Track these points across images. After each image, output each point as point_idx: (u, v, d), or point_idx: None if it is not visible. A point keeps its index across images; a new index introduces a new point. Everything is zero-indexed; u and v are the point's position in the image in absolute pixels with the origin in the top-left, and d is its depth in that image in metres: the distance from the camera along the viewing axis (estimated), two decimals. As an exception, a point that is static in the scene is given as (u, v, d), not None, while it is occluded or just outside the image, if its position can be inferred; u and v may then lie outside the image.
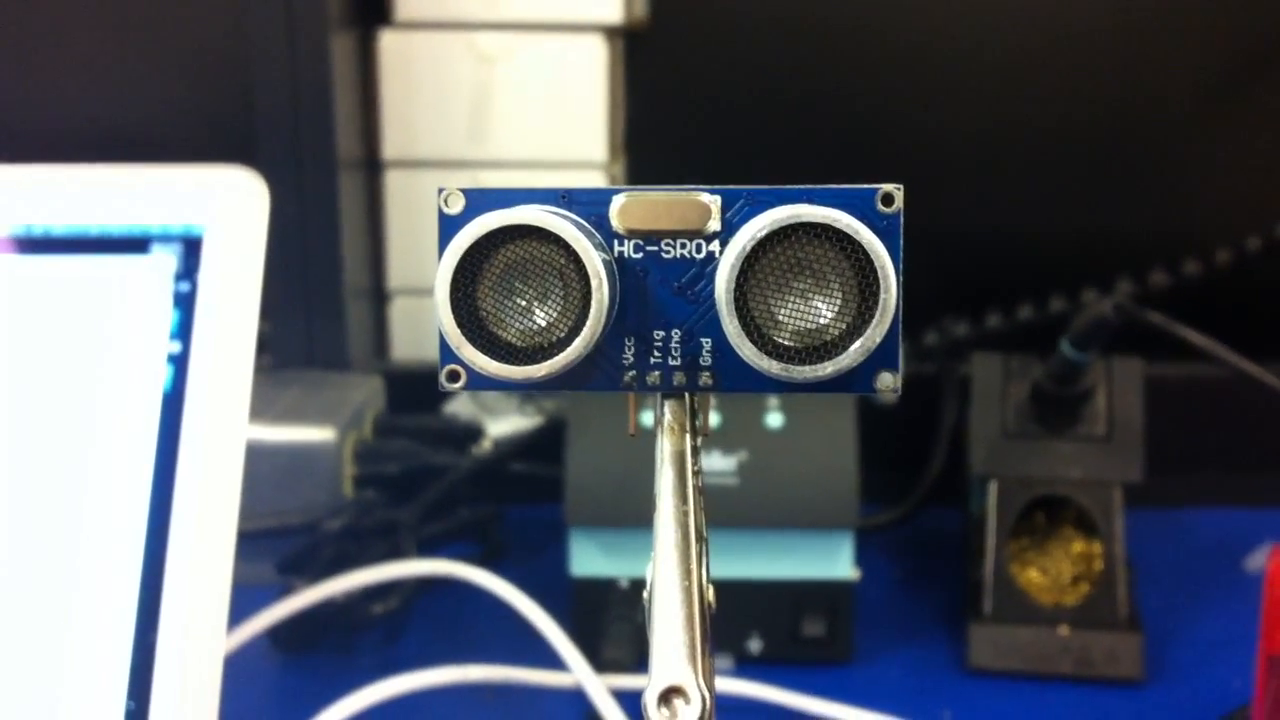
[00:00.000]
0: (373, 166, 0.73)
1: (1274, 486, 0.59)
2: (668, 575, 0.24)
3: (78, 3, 0.72)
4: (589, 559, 0.54)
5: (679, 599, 0.23)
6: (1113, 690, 0.54)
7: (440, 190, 0.25)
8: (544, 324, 0.25)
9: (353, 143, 0.70)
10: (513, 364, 0.24)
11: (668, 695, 0.22)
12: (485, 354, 0.24)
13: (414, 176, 0.72)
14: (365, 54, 0.71)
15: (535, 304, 0.24)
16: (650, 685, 0.22)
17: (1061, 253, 0.73)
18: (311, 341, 0.69)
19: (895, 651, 0.56)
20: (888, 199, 0.25)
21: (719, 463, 0.53)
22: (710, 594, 0.25)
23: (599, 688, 0.49)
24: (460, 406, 0.70)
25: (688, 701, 0.22)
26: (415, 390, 0.70)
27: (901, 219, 0.25)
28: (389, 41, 0.71)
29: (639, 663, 0.52)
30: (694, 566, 0.24)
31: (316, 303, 0.68)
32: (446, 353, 0.25)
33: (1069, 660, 0.54)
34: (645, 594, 0.24)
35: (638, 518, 0.53)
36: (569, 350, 0.24)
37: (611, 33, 0.71)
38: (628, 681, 0.51)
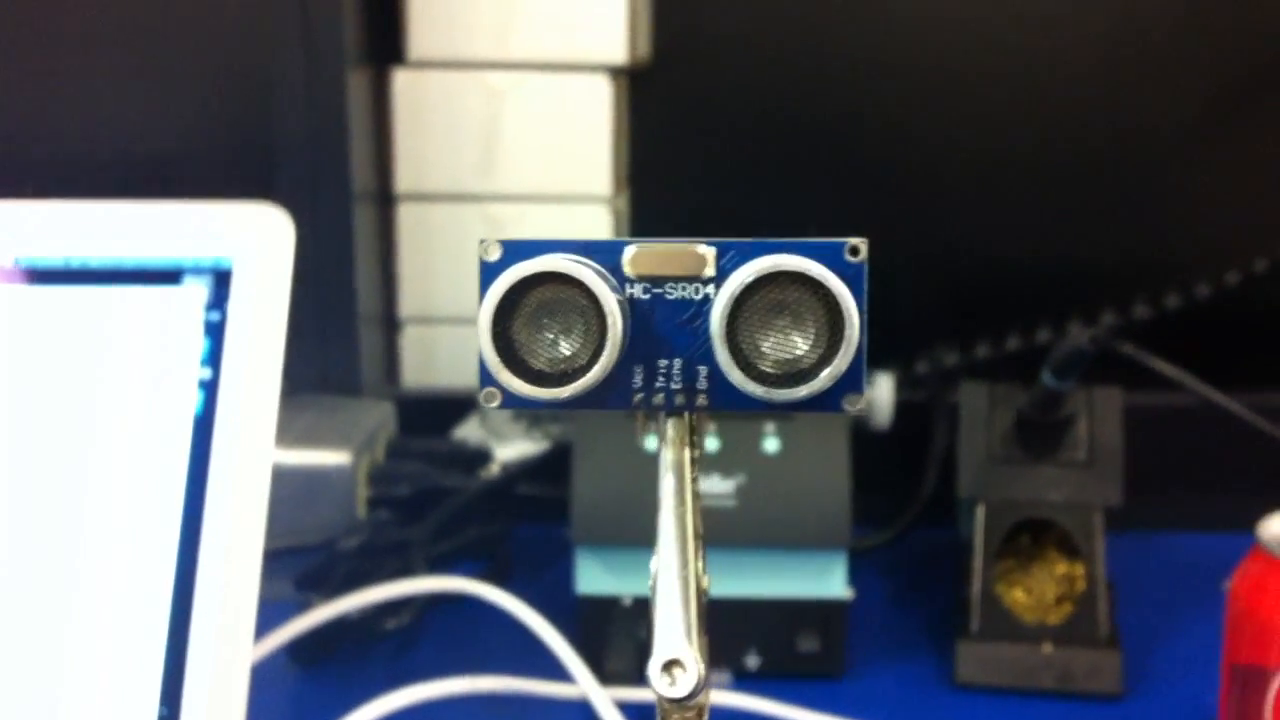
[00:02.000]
0: (386, 199, 0.75)
1: (1248, 511, 0.61)
2: (669, 565, 0.28)
3: (100, 37, 0.74)
4: (594, 577, 0.56)
5: (678, 585, 0.28)
6: (1093, 705, 0.56)
7: (481, 241, 0.30)
8: (568, 353, 0.29)
9: (367, 176, 0.73)
10: (541, 386, 0.29)
11: (669, 666, 0.26)
12: (519, 378, 0.29)
13: (425, 209, 0.75)
14: (380, 91, 0.74)
15: (561, 336, 0.29)
16: (653, 657, 0.26)
17: (1049, 284, 0.75)
18: (325, 367, 0.71)
19: (886, 667, 0.59)
20: (854, 250, 0.29)
21: (718, 485, 0.56)
22: (705, 582, 0.29)
23: (603, 699, 0.51)
24: (469, 431, 0.72)
25: (685, 671, 0.26)
26: (425, 415, 0.73)
27: (866, 267, 0.29)
28: (403, 79, 0.73)
29: (641, 676, 0.54)
30: (691, 558, 0.28)
31: (330, 330, 0.71)
32: (486, 376, 0.30)
33: (1052, 676, 0.57)
34: (650, 583, 0.28)
35: (641, 537, 0.55)
36: (589, 376, 0.29)
37: (616, 72, 0.74)
38: (630, 694, 0.53)
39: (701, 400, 0.30)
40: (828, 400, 0.29)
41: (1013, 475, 0.59)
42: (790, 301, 0.29)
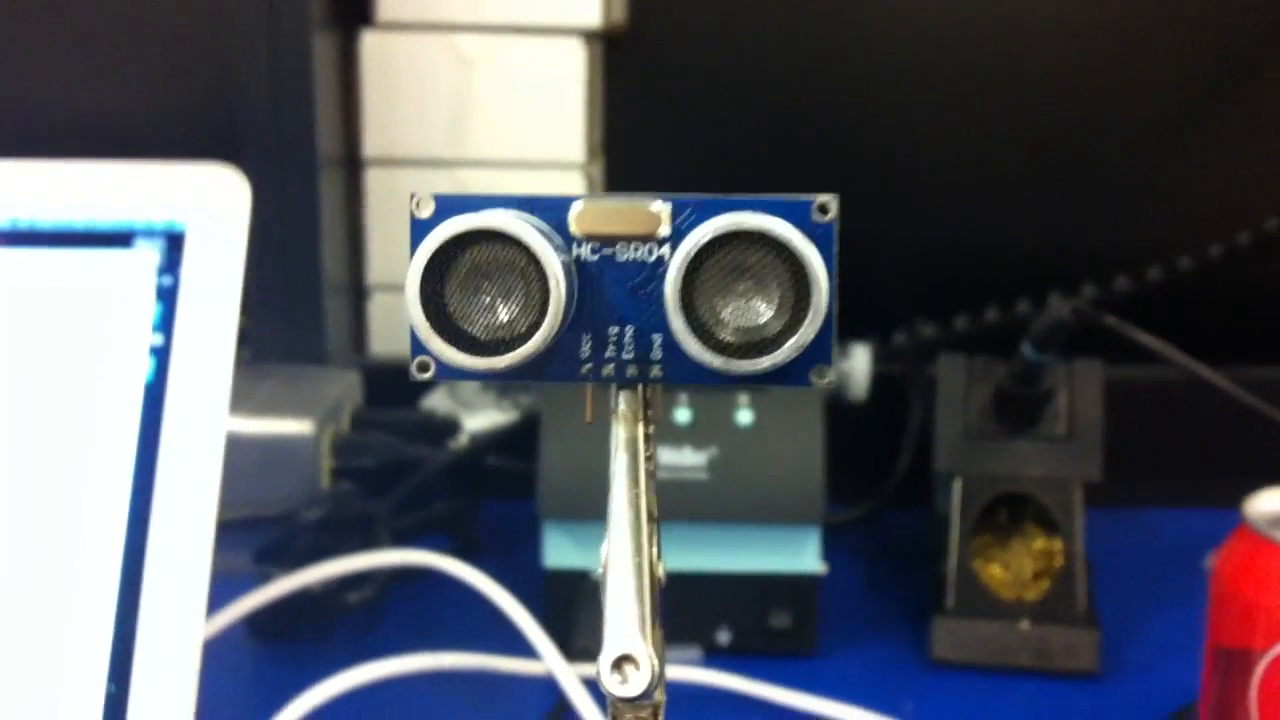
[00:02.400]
0: (353, 164, 0.74)
1: (1229, 487, 0.60)
2: (620, 553, 0.26)
3: (62, 2, 0.73)
4: (561, 551, 0.55)
5: (630, 574, 0.25)
6: (1070, 683, 0.55)
7: (412, 195, 0.27)
8: (506, 319, 0.26)
9: (333, 141, 0.71)
10: (477, 355, 0.26)
11: (619, 663, 0.24)
12: (452, 346, 0.26)
13: (394, 175, 0.73)
14: (347, 54, 0.72)
15: (499, 301, 0.26)
16: (604, 653, 0.24)
17: (1029, 258, 0.74)
18: (290, 336, 0.70)
19: (860, 644, 0.58)
20: (823, 208, 0.27)
21: (690, 458, 0.54)
22: (660, 570, 0.27)
23: (570, 676, 0.50)
24: (438, 401, 0.71)
25: (638, 668, 0.24)
26: (393, 385, 0.71)
27: (835, 227, 0.27)
28: (370, 42, 0.72)
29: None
30: (645, 544, 0.26)
31: (296, 298, 0.69)
32: (417, 345, 0.27)
33: (1028, 653, 0.56)
34: (599, 569, 0.26)
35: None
36: (529, 344, 0.26)
37: (590, 36, 0.72)
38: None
39: (655, 371, 0.28)
40: (793, 373, 0.27)
41: (991, 449, 0.58)
42: (752, 264, 0.26)
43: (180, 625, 0.39)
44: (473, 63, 0.72)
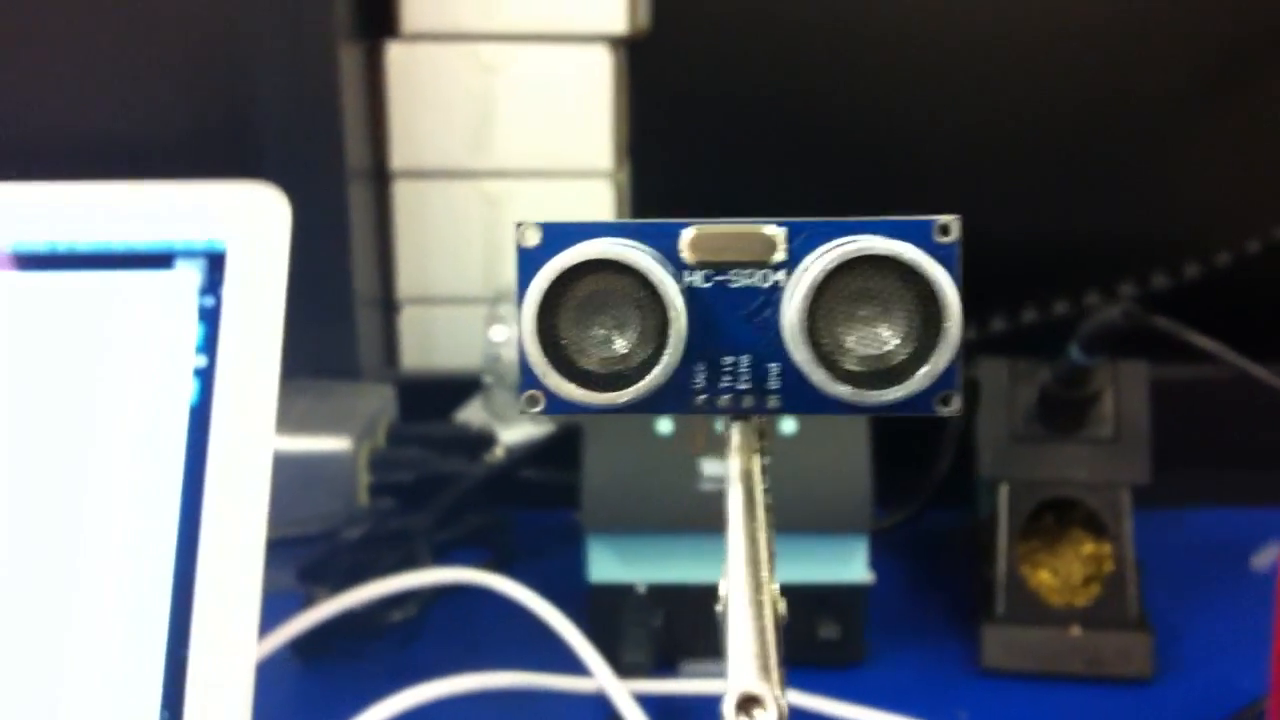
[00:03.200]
0: (381, 176, 0.73)
1: (1278, 485, 0.60)
2: (740, 588, 0.25)
3: (82, 13, 0.72)
4: (606, 565, 0.55)
5: (752, 612, 0.24)
6: (1123, 689, 0.54)
7: (518, 225, 0.26)
8: (623, 352, 0.26)
9: (361, 153, 0.71)
10: (594, 390, 0.26)
11: (745, 704, 0.23)
12: (571, 381, 0.26)
13: (422, 186, 0.73)
14: (372, 65, 0.72)
15: (614, 333, 0.26)
16: (728, 694, 0.23)
17: (1064, 257, 0.74)
18: (322, 351, 0.69)
19: (908, 653, 0.57)
20: (944, 229, 0.26)
21: (733, 468, 0.54)
22: (781, 606, 0.26)
23: (622, 692, 0.49)
24: (471, 414, 0.70)
25: (764, 709, 0.23)
26: (425, 398, 0.71)
27: (958, 248, 0.26)
28: (395, 53, 0.71)
29: (657, 667, 0.53)
30: (765, 580, 0.25)
31: (327, 312, 0.69)
32: (529, 378, 0.26)
33: (1080, 660, 0.55)
34: (718, 606, 0.25)
35: (654, 524, 0.54)
36: (649, 379, 0.26)
37: (615, 42, 0.71)
38: (648, 686, 0.51)
39: (773, 402, 0.27)
40: (919, 402, 0.26)
41: (1036, 454, 0.57)
42: (876, 290, 0.25)
43: (232, 649, 0.38)
44: (498, 71, 0.71)
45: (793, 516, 0.54)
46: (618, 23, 0.70)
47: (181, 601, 0.38)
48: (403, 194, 0.73)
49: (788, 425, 0.54)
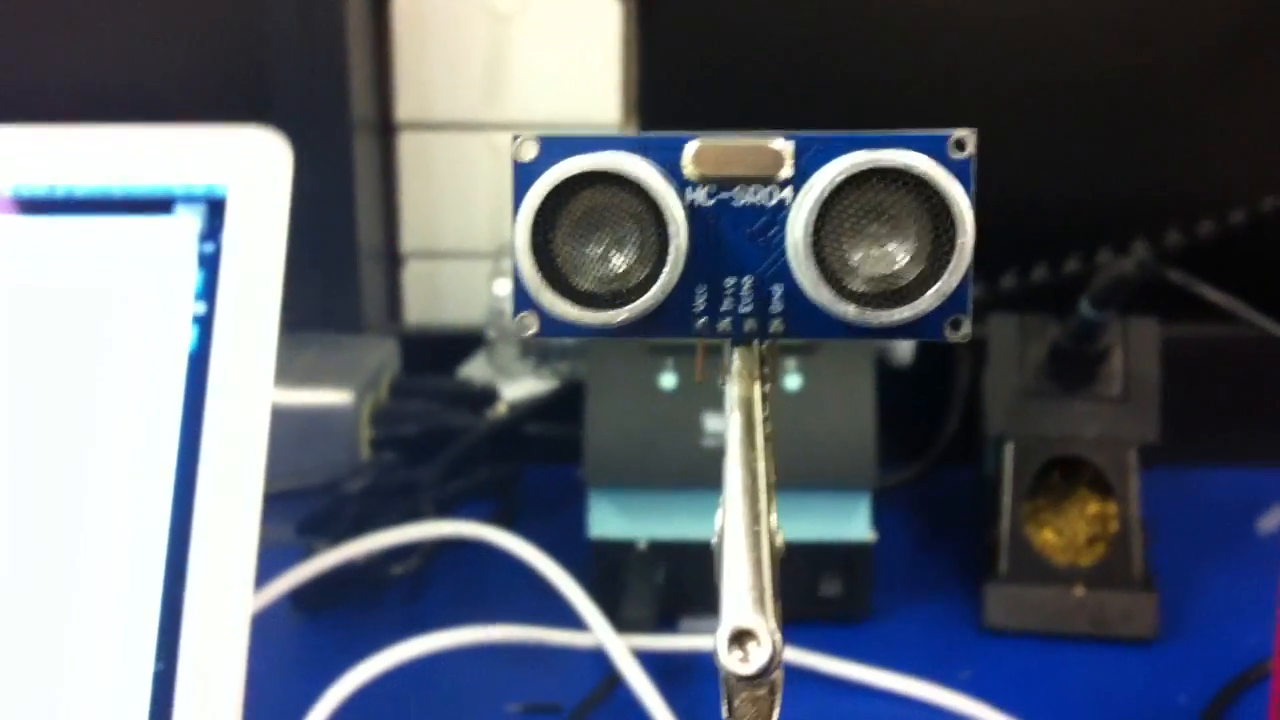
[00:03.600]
0: (387, 128, 0.72)
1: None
2: (736, 521, 0.24)
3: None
4: (608, 520, 0.54)
5: (748, 544, 0.24)
6: (1127, 649, 0.54)
7: (515, 137, 0.25)
8: (622, 270, 0.25)
9: (367, 105, 0.70)
10: (590, 309, 0.25)
11: (739, 637, 0.22)
12: (565, 299, 0.25)
13: (428, 138, 0.72)
14: (379, 16, 0.71)
15: (612, 250, 0.25)
16: (721, 628, 0.22)
17: (1076, 214, 0.73)
18: (326, 304, 0.69)
19: (912, 610, 0.57)
20: (960, 144, 0.25)
21: (738, 424, 0.53)
22: (779, 539, 0.25)
23: (620, 647, 0.49)
24: (475, 370, 0.70)
25: (759, 644, 0.22)
26: (429, 353, 0.71)
27: (973, 164, 0.25)
28: (403, 3, 0.70)
29: (658, 623, 0.53)
30: (763, 512, 0.24)
31: (331, 265, 0.68)
32: (523, 299, 0.25)
33: (1084, 619, 0.54)
34: (714, 540, 0.25)
35: (657, 479, 0.53)
36: (646, 297, 0.25)
37: (625, -7, 0.71)
38: (648, 642, 0.51)
39: (776, 325, 0.26)
40: (927, 325, 0.25)
41: (1044, 411, 0.57)
42: (887, 205, 0.24)
43: (228, 600, 0.38)
44: (507, 22, 0.70)
45: (797, 473, 0.53)
46: (627, -26, 0.70)
47: (178, 549, 0.38)
48: (409, 146, 0.72)
49: (793, 381, 0.54)
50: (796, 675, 0.52)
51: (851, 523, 0.54)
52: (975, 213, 0.25)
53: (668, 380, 0.54)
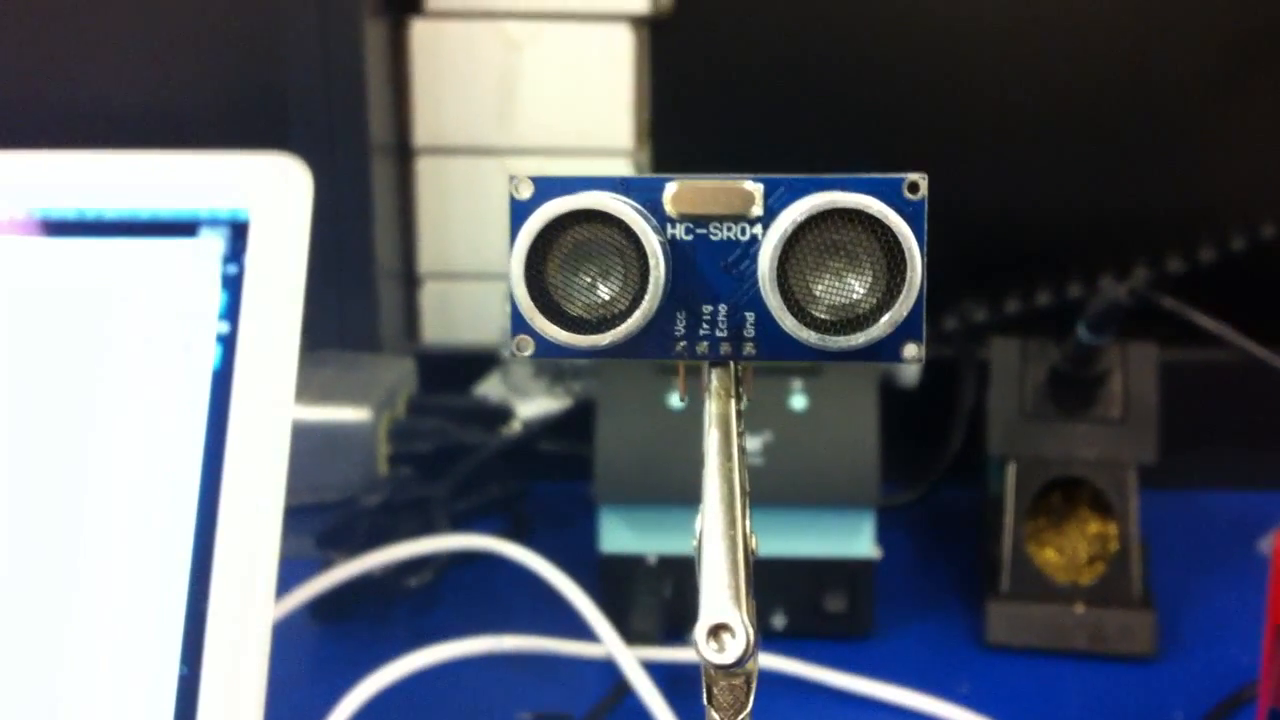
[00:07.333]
0: (404, 152, 0.74)
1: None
2: (714, 525, 0.26)
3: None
4: (618, 535, 0.56)
5: (725, 546, 0.26)
6: (1126, 665, 0.55)
7: (511, 178, 0.28)
8: (607, 298, 0.27)
9: (385, 129, 0.72)
10: (579, 333, 0.27)
11: (716, 631, 0.25)
12: (555, 324, 0.27)
13: (444, 162, 0.74)
14: (397, 42, 0.73)
15: (599, 280, 0.27)
16: (700, 622, 0.25)
17: (1079, 238, 0.74)
18: (345, 323, 0.70)
19: (914, 627, 0.58)
20: (913, 187, 0.28)
21: (745, 443, 0.55)
22: (753, 542, 0.28)
23: (629, 658, 0.50)
24: (490, 388, 0.71)
25: (734, 636, 0.25)
26: (445, 372, 0.72)
27: (925, 205, 0.28)
28: (420, 30, 0.72)
29: (665, 635, 0.54)
30: (739, 516, 0.27)
31: (349, 286, 0.70)
32: (519, 323, 0.28)
33: (1084, 636, 0.56)
34: (694, 542, 0.27)
35: (665, 496, 0.55)
36: (629, 322, 0.27)
37: (637, 21, 0.72)
38: (655, 653, 0.52)
39: (749, 349, 0.28)
40: (885, 349, 0.28)
41: (1045, 432, 0.58)
42: (845, 242, 0.27)
43: (250, 608, 0.39)
44: (521, 49, 0.72)
45: (801, 490, 0.54)
46: (640, 2, 0.71)
47: (201, 560, 0.39)
48: (426, 170, 0.74)
49: (798, 401, 0.55)
50: (801, 689, 0.53)
51: (856, 540, 0.55)
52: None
53: (675, 400, 0.55)
